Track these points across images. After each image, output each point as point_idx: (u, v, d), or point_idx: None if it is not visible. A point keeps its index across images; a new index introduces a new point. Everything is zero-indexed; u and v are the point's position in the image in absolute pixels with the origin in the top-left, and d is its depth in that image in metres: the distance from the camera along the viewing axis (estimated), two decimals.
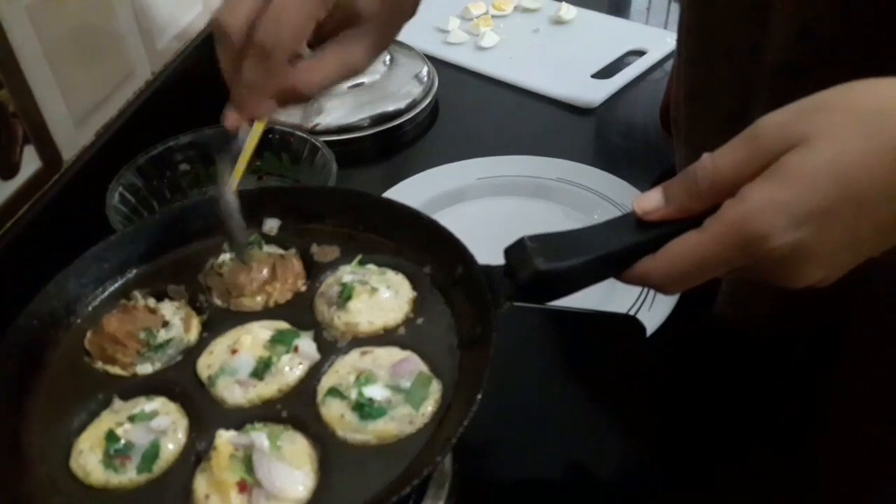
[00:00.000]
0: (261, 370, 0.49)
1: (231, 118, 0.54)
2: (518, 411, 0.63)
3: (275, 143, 0.89)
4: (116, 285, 0.56)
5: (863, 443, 0.66)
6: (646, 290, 0.75)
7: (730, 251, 0.41)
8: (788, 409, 0.67)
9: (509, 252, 0.49)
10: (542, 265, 0.47)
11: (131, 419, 0.47)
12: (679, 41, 0.73)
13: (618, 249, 0.47)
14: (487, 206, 0.90)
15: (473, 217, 0.88)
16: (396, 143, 1.01)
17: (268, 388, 0.48)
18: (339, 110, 1.00)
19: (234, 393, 0.48)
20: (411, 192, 0.89)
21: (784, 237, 0.39)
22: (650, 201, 0.46)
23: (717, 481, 0.60)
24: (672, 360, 0.68)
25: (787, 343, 0.68)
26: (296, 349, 0.50)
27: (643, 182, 0.88)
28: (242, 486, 0.42)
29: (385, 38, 0.54)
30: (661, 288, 0.46)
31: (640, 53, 1.12)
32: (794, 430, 0.66)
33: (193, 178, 0.88)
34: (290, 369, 0.49)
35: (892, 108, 0.38)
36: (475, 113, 1.07)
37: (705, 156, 0.43)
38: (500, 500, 0.57)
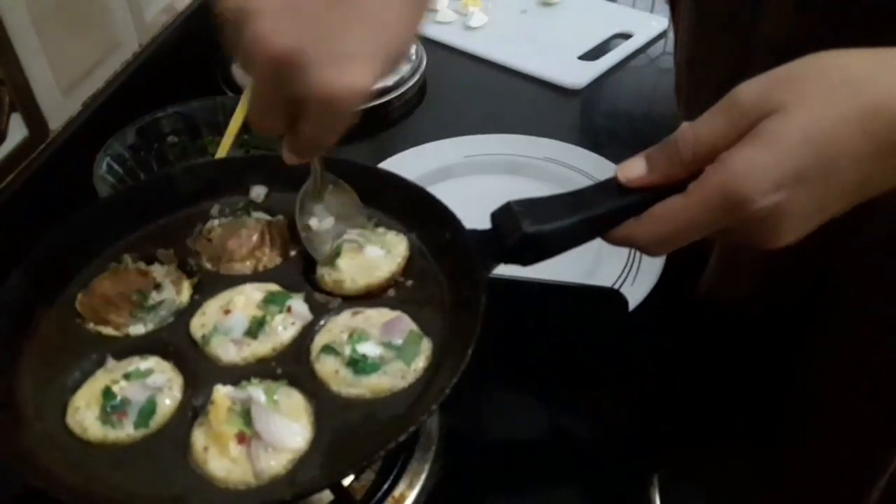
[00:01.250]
0: (255, 329, 0.50)
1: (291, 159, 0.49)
2: (501, 381, 0.64)
3: None
4: (106, 249, 0.56)
5: (839, 420, 0.68)
6: (629, 265, 0.76)
7: (712, 214, 0.43)
8: (766, 385, 0.69)
9: (496, 216, 0.50)
10: (528, 228, 0.48)
11: (126, 377, 0.47)
12: (672, 10, 0.74)
13: (602, 213, 0.48)
14: (474, 183, 0.91)
15: (460, 194, 0.88)
16: (384, 121, 1.02)
17: (262, 347, 0.49)
18: None
19: (228, 351, 0.49)
20: (399, 168, 0.90)
21: (764, 199, 0.40)
22: (633, 169, 0.47)
23: (690, 450, 0.62)
24: (653, 334, 0.70)
25: (766, 322, 0.70)
26: (289, 309, 0.51)
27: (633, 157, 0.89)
28: (241, 438, 0.43)
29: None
30: (646, 249, 0.48)
31: (626, 36, 1.13)
32: (772, 404, 0.68)
33: (181, 151, 0.88)
34: (284, 328, 0.50)
35: (861, 78, 0.40)
36: (463, 92, 1.07)
37: (685, 124, 0.44)
38: (484, 463, 0.58)
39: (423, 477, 0.54)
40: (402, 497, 0.52)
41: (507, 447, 0.60)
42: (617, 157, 0.92)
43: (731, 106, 0.42)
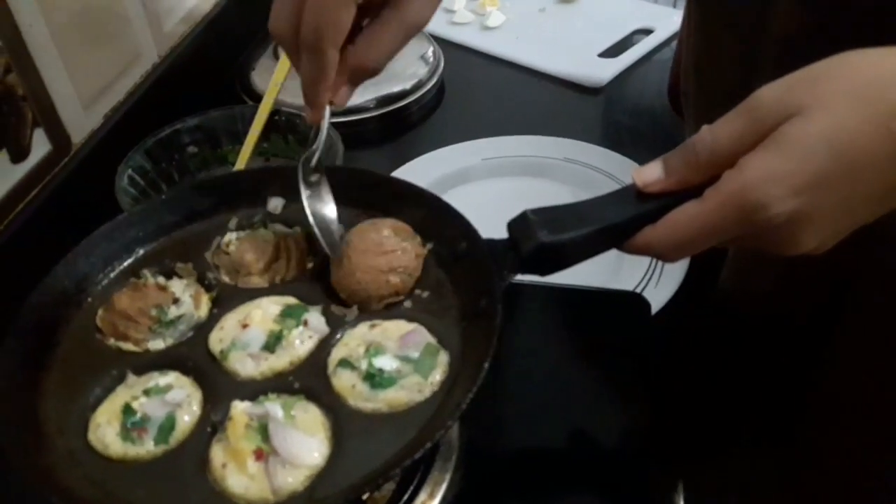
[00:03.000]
0: (272, 343, 0.50)
1: (308, 114, 0.54)
2: (523, 387, 0.63)
3: (281, 125, 0.89)
4: (125, 264, 0.57)
5: (860, 422, 0.67)
6: (652, 268, 0.75)
7: (729, 221, 0.42)
8: (788, 387, 0.67)
9: (512, 225, 0.50)
10: (545, 237, 0.47)
11: (146, 393, 0.48)
12: (687, 12, 0.73)
13: (619, 221, 0.47)
14: (494, 186, 0.90)
15: (480, 197, 0.89)
16: (402, 124, 1.01)
17: (279, 361, 0.49)
18: None
19: (246, 366, 0.49)
20: (417, 173, 0.90)
21: (782, 206, 0.39)
22: (650, 174, 0.46)
23: (714, 456, 0.60)
24: (676, 337, 0.69)
25: (787, 324, 0.68)
26: (305, 323, 0.51)
27: (650, 161, 0.88)
28: (259, 455, 0.43)
29: None
30: (663, 256, 0.47)
31: (647, 32, 1.11)
32: (791, 407, 0.67)
33: (201, 161, 0.89)
34: (301, 342, 0.50)
35: (887, 77, 0.38)
36: (481, 93, 1.06)
37: (704, 128, 0.43)
38: (505, 472, 0.57)
39: (444, 487, 0.53)
40: None
41: (528, 455, 0.59)
42: (640, 157, 0.91)
43: (751, 109, 0.41)
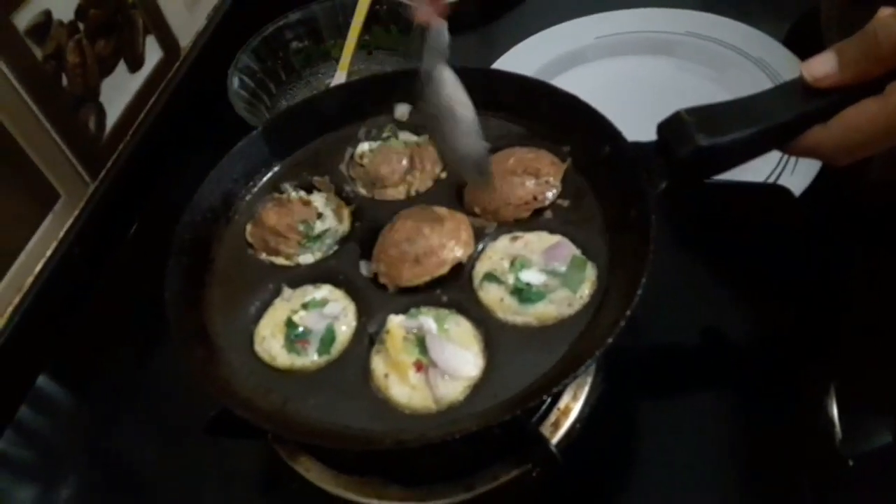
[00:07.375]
0: None
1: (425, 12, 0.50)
2: (661, 287, 0.61)
3: (383, 16, 0.86)
4: (265, 179, 0.58)
5: None
6: (785, 155, 0.70)
7: None
8: None
9: (664, 127, 0.47)
10: (703, 140, 0.44)
11: (304, 306, 0.50)
12: None
13: (784, 121, 0.44)
14: (609, 67, 0.85)
15: (595, 80, 0.84)
16: (502, 3, 0.95)
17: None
18: None
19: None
20: (524, 57, 0.85)
21: None
22: (822, 66, 0.42)
23: (868, 360, 0.58)
24: (820, 228, 0.65)
25: None
26: None
27: (780, 31, 0.80)
28: (419, 366, 0.45)
29: None
30: (833, 159, 0.44)
31: None
32: None
33: (305, 57, 0.87)
34: None
35: None
36: None
37: (887, 13, 0.38)
38: (645, 374, 0.58)
39: (587, 389, 0.54)
40: (568, 409, 0.54)
41: (669, 357, 0.59)
42: (770, 28, 0.83)
43: None
